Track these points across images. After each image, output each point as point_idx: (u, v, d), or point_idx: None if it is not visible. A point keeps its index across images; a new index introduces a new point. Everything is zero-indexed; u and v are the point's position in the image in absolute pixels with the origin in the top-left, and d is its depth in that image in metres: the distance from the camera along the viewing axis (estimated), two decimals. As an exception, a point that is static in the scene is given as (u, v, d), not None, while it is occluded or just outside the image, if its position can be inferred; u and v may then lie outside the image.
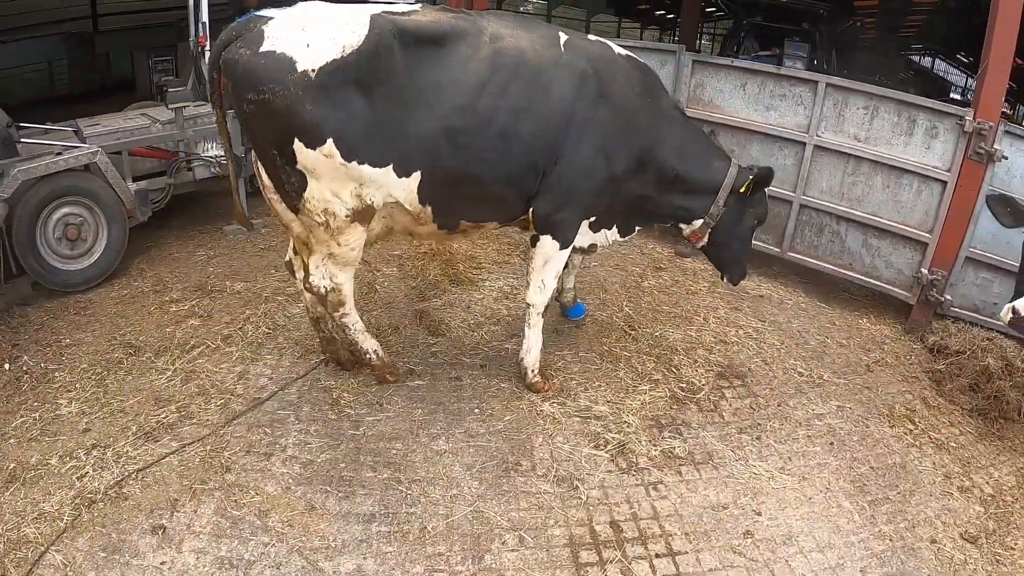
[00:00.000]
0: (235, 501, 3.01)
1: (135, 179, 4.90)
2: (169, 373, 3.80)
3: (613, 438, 3.57)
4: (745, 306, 5.15)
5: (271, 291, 4.67)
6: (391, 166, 3.11)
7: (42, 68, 9.40)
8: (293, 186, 3.08)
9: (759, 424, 3.84)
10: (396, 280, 4.97)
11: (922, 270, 4.95)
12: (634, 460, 3.45)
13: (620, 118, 3.46)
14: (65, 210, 4.45)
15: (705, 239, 3.93)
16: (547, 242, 3.61)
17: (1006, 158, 4.60)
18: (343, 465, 3.25)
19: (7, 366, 3.86)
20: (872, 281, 5.29)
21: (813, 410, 4.02)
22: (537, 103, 3.27)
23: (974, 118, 4.58)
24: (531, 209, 3.52)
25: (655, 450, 3.53)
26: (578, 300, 4.59)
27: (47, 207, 4.36)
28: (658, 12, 23.25)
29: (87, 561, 2.70)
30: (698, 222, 3.86)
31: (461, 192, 3.33)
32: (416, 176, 3.19)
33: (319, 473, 3.20)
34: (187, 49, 6.01)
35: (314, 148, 2.95)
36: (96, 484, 3.04)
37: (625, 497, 3.25)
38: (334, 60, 2.87)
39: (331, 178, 3.04)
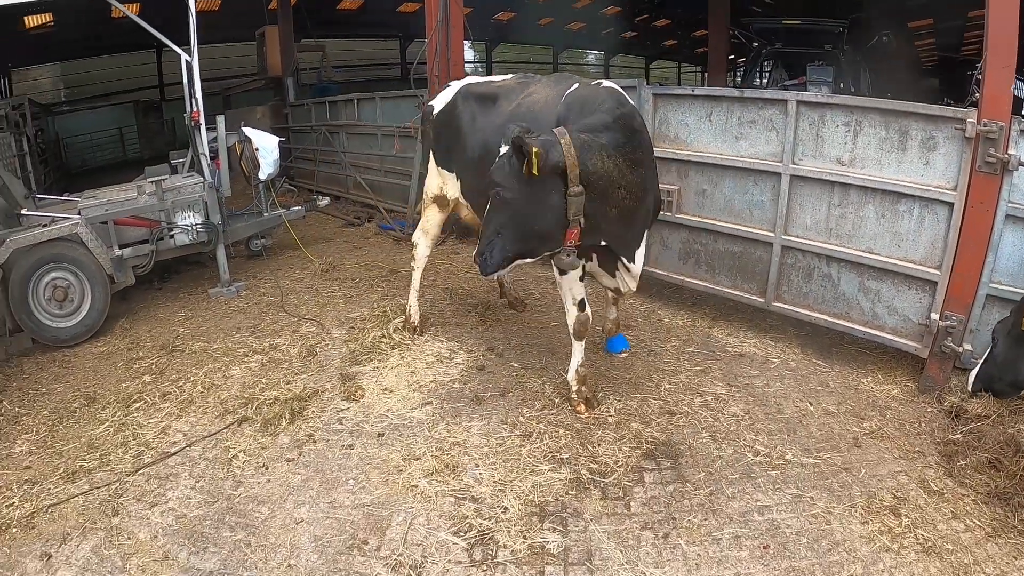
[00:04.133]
0: (110, 542, 3.74)
1: (124, 246, 6.18)
2: (106, 424, 4.76)
3: (479, 524, 3.63)
4: (716, 368, 5.16)
5: (221, 352, 5.61)
6: (455, 172, 5.24)
7: (114, 134, 11.68)
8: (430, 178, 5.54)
9: (674, 518, 3.65)
10: (339, 343, 5.72)
11: (932, 315, 4.63)
12: (492, 553, 3.45)
13: None
14: (54, 274, 5.82)
15: None
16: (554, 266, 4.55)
17: None
18: (208, 522, 3.88)
19: (-13, 407, 5.05)
20: (874, 332, 5.03)
21: (757, 501, 3.77)
22: None
23: (978, 119, 4.26)
24: None
25: (523, 543, 3.51)
26: (621, 333, 5.21)
27: (37, 271, 5.73)
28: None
29: (-13, 573, 3.56)
30: None
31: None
32: (459, 182, 5.22)
33: (186, 527, 3.85)
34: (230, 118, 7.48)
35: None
36: (16, 513, 3.92)
37: (465, 595, 3.25)
38: (441, 109, 5.30)
39: (435, 174, 5.48)
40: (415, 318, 5.89)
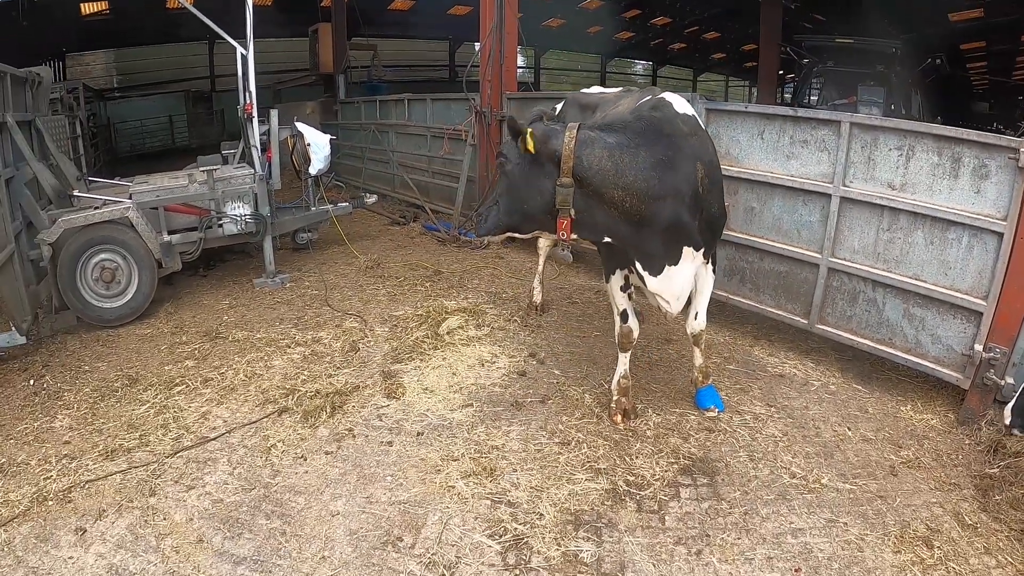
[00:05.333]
0: (146, 521, 3.81)
1: (173, 232, 6.33)
2: (148, 405, 4.87)
3: (514, 528, 3.66)
4: (756, 387, 5.15)
5: (264, 342, 5.71)
6: None
7: (163, 122, 12.00)
8: None
9: (707, 535, 3.64)
10: (381, 340, 5.78)
11: (976, 346, 4.58)
12: (526, 558, 3.47)
13: None
14: (102, 255, 5.98)
15: None
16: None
17: None
18: (245, 508, 3.93)
19: (32, 382, 5.23)
20: (916, 360, 4.97)
21: (791, 523, 3.74)
22: None
23: None
24: None
25: (556, 551, 3.52)
26: (710, 384, 4.95)
27: (86, 252, 5.89)
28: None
29: (22, 543, 3.62)
30: None
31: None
32: None
33: (222, 511, 3.90)
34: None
35: None
36: (54, 486, 4.02)
37: (494, 600, 3.28)
38: (556, 115, 4.81)
39: None
40: (537, 299, 6.55)
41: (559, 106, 5.42)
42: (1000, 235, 4.46)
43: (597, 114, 4.67)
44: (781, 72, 21.39)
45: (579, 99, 5.18)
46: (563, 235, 3.94)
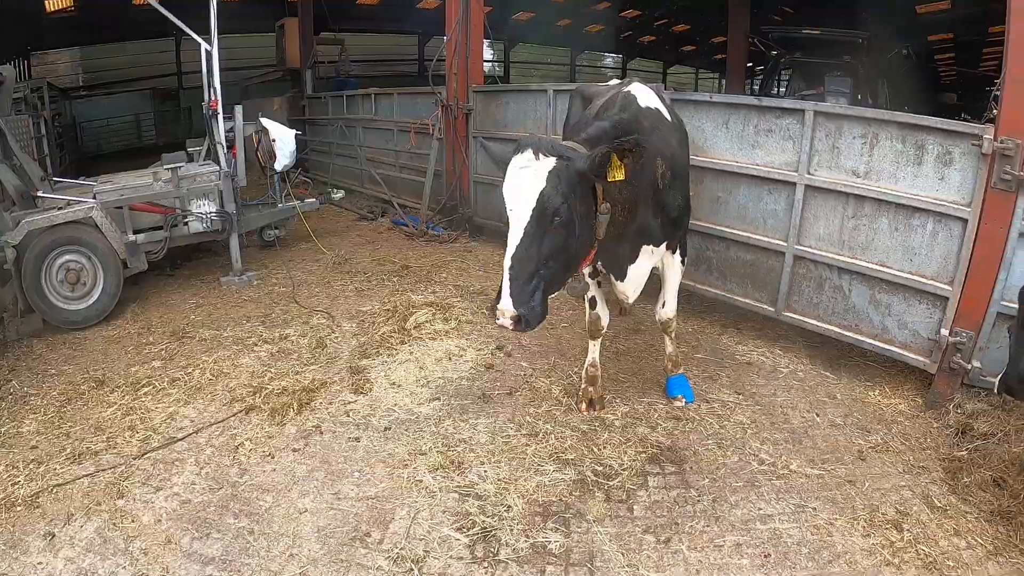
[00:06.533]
0: (114, 524, 3.77)
1: (138, 231, 6.27)
2: (115, 407, 4.82)
3: (482, 521, 3.66)
4: (724, 375, 5.20)
5: (232, 341, 5.69)
6: None
7: (130, 120, 11.92)
8: None
9: (676, 523, 3.67)
10: (349, 336, 5.78)
11: (942, 331, 4.64)
12: (494, 550, 3.48)
13: None
14: (67, 257, 5.91)
15: None
16: None
17: None
18: (212, 508, 3.90)
19: (-3, 387, 5.12)
20: (883, 345, 5.03)
21: (760, 510, 3.77)
22: None
23: (995, 136, 4.24)
24: None
25: (524, 542, 3.53)
26: (681, 373, 4.94)
27: (51, 253, 5.81)
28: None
29: (-11, 550, 3.59)
30: None
31: None
32: None
33: (190, 512, 3.87)
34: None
35: None
36: (21, 492, 3.97)
37: (463, 592, 3.29)
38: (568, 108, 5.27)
39: None
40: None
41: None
42: (964, 221, 4.50)
43: (593, 105, 4.53)
44: (750, 64, 21.52)
45: (582, 90, 5.13)
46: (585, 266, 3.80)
